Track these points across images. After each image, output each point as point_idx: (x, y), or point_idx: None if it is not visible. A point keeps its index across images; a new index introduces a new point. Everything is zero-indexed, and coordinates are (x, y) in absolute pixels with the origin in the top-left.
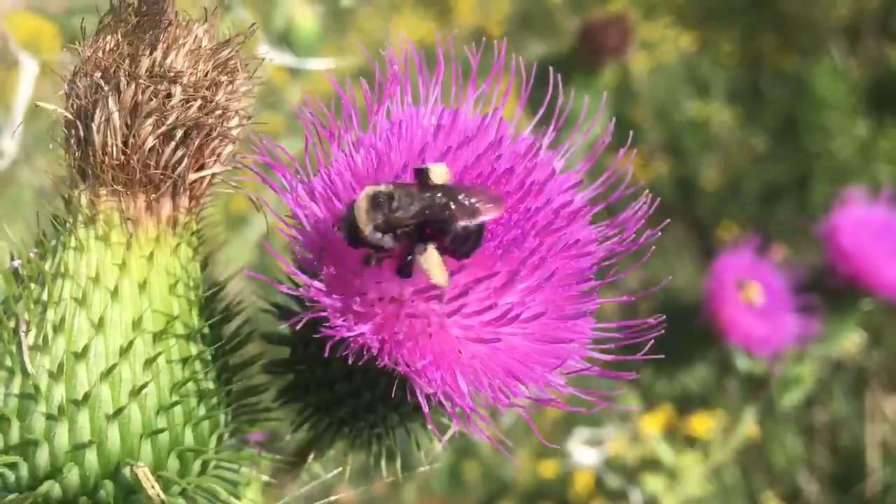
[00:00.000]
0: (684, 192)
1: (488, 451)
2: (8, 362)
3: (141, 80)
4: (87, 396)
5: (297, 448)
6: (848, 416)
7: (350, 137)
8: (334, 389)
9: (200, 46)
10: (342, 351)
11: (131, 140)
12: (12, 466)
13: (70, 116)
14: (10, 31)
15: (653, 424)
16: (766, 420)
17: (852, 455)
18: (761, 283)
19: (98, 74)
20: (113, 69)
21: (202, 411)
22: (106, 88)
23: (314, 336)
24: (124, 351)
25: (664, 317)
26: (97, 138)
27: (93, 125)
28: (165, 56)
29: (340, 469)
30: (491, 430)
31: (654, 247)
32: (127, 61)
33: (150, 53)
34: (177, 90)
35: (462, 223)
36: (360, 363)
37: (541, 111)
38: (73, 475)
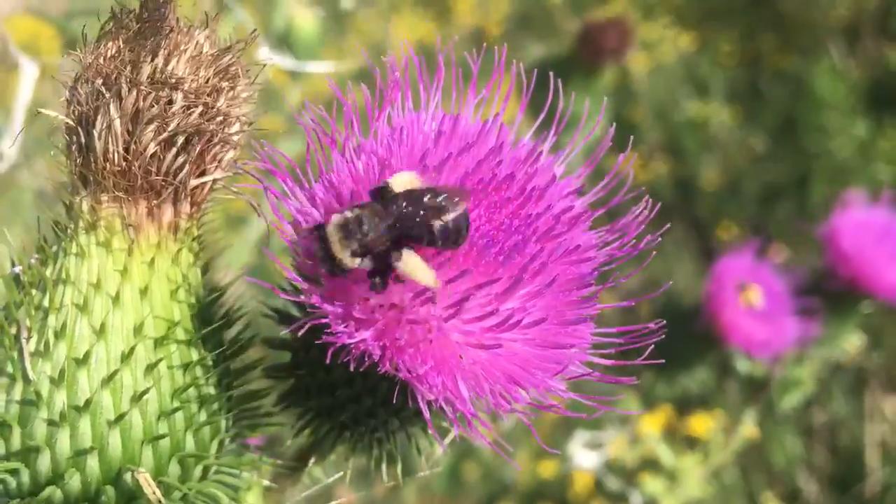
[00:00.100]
0: (684, 192)
1: (488, 453)
2: (9, 368)
3: (142, 87)
4: (88, 402)
5: (298, 452)
6: (847, 416)
7: (351, 143)
8: (335, 394)
9: (202, 53)
10: (343, 357)
11: (133, 146)
12: (14, 472)
13: (71, 123)
14: (9, 34)
15: (652, 425)
16: (765, 420)
17: (851, 455)
18: (762, 285)
19: (99, 81)
20: (114, 76)
21: (203, 417)
22: (107, 95)
23: (315, 341)
24: (125, 357)
25: (664, 321)
26: (99, 145)
27: (94, 132)
28: (167, 62)
29: (341, 473)
30: (491, 434)
31: (654, 249)
32: (128, 68)
33: (152, 60)
34: (178, 96)
35: (436, 224)
36: (361, 369)
37: (542, 116)
38: (74, 481)
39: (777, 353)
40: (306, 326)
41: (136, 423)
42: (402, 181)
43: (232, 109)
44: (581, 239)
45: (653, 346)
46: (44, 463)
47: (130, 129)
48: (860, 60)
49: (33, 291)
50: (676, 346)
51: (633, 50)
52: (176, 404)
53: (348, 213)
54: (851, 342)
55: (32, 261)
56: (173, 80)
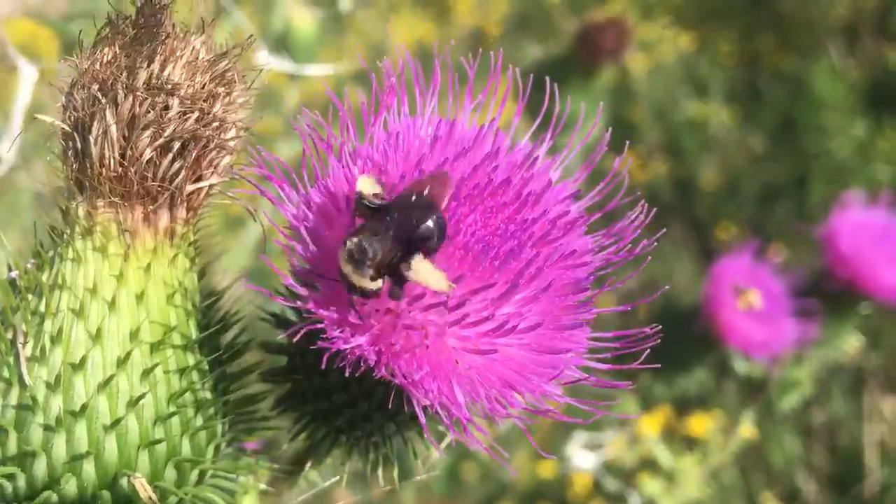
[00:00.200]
0: (683, 192)
1: (487, 454)
2: (5, 373)
3: (138, 93)
4: (84, 407)
5: (295, 456)
6: (846, 416)
7: (347, 148)
8: (331, 399)
9: (198, 58)
10: (339, 362)
11: (129, 152)
12: (10, 477)
13: (67, 129)
14: (7, 37)
15: (651, 425)
16: (764, 421)
17: (850, 455)
18: (760, 287)
19: (95, 87)
20: (110, 81)
21: (199, 421)
22: (103, 101)
23: (311, 346)
24: (122, 362)
25: (660, 323)
26: (94, 150)
27: (90, 137)
28: (163, 68)
29: (338, 477)
30: (487, 439)
31: (651, 253)
32: (124, 73)
33: (148, 65)
34: (174, 102)
35: (430, 221)
36: (357, 374)
37: (539, 119)
38: (70, 486)
39: (775, 354)
40: (301, 332)
41: (132, 428)
42: (367, 185)
43: (228, 115)
44: (577, 243)
45: (650, 348)
46: (40, 468)
47: (126, 134)
48: (859, 60)
49: (30, 296)
50: (675, 348)
51: (631, 50)
52: (172, 409)
53: (349, 245)
54: (850, 343)
55: (29, 265)
56: (169, 86)
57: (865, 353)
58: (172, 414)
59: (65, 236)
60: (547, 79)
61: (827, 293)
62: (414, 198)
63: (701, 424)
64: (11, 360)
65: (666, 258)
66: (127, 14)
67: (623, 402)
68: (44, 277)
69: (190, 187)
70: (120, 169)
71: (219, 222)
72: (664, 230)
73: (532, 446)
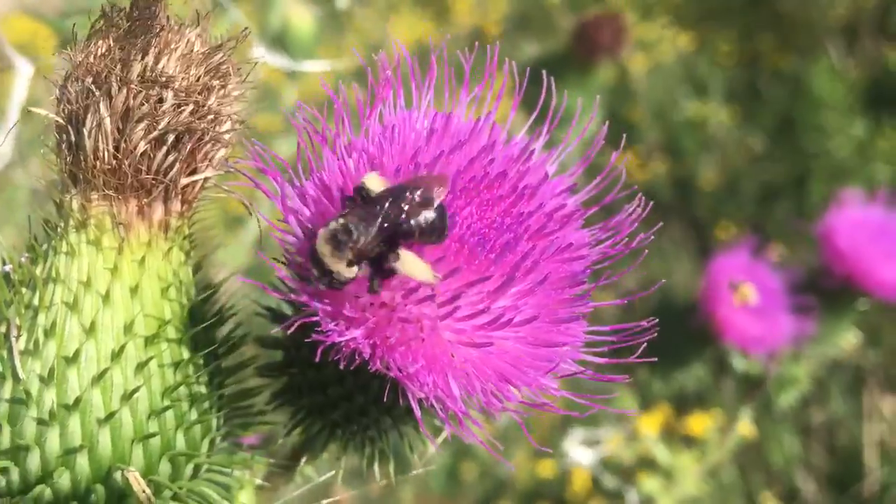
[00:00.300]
0: (682, 191)
1: (486, 452)
2: None
3: (132, 85)
4: (78, 401)
5: (292, 451)
6: (845, 415)
7: (342, 141)
8: (327, 393)
9: (192, 51)
10: (334, 355)
11: (123, 145)
12: (3, 471)
13: (61, 121)
14: (5, 35)
15: (650, 425)
16: (763, 420)
17: (850, 455)
18: (757, 283)
19: (89, 79)
20: (104, 74)
21: (194, 415)
22: (97, 93)
23: (305, 340)
24: (116, 355)
25: (658, 319)
26: (88, 143)
27: (84, 130)
28: (157, 61)
29: (333, 472)
30: (483, 433)
31: (650, 248)
32: (118, 66)
33: (142, 58)
34: (168, 95)
35: (422, 217)
36: (352, 367)
37: (535, 113)
38: (64, 480)
39: (772, 351)
40: (296, 325)
41: (126, 422)
42: (373, 182)
43: (223, 108)
44: (573, 237)
45: (648, 343)
46: (33, 461)
47: (120, 127)
48: (859, 60)
49: (23, 290)
50: (672, 343)
51: (628, 46)
52: (166, 403)
53: (334, 224)
54: (847, 340)
55: (23, 259)
56: (164, 79)
57: (864, 351)
58: (167, 408)
59: (59, 230)
60: (544, 73)
61: (824, 290)
62: (408, 193)
63: (700, 424)
64: (5, 353)
65: (665, 257)
66: (121, 7)
67: (621, 398)
68: (38, 271)
69: (185, 180)
70: (114, 161)
71: (218, 220)
72: (661, 224)
73: (531, 445)
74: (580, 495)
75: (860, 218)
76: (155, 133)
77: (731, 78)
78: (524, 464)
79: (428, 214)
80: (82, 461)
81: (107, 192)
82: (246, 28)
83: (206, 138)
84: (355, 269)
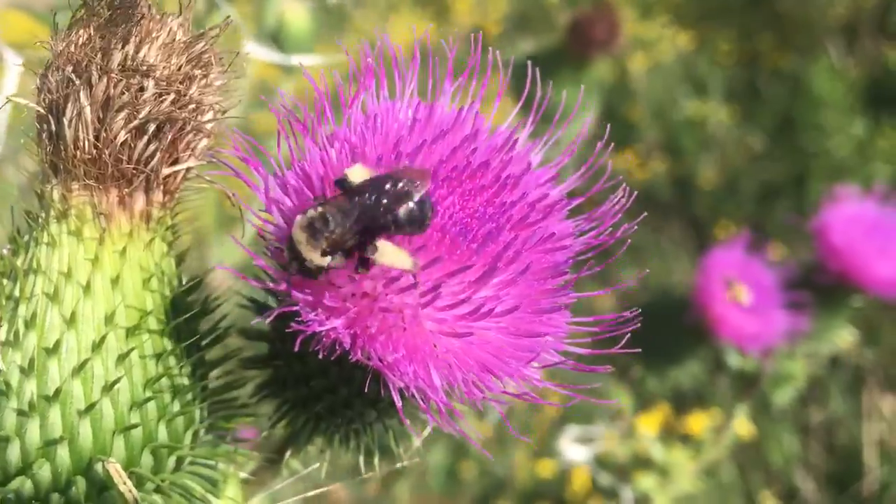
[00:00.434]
0: (682, 190)
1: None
2: None
3: (113, 74)
4: (58, 392)
5: (279, 444)
6: (845, 414)
7: (324, 130)
8: (310, 385)
9: (174, 40)
10: (314, 345)
11: (103, 134)
12: None
13: (42, 111)
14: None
15: (649, 424)
16: (762, 418)
17: (849, 454)
18: (751, 279)
19: (70, 69)
20: (85, 63)
21: (176, 407)
22: (77, 82)
23: (287, 331)
24: (96, 346)
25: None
26: (69, 133)
27: (64, 119)
28: (138, 50)
29: (318, 465)
30: (471, 429)
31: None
32: (99, 55)
33: (123, 47)
34: (149, 84)
35: (401, 210)
36: (335, 358)
37: (520, 104)
38: (44, 471)
39: (767, 347)
40: (274, 314)
41: (107, 413)
42: (357, 174)
43: (205, 97)
44: (557, 227)
45: (642, 339)
46: (13, 453)
47: (101, 116)
48: (858, 59)
49: (4, 281)
50: (667, 339)
51: (622, 41)
52: (148, 394)
53: (311, 212)
54: (843, 337)
55: (4, 251)
56: (144, 68)
57: (863, 350)
58: (148, 399)
59: (40, 220)
60: (529, 62)
61: (818, 286)
62: (388, 185)
63: (699, 423)
64: None
65: (665, 257)
66: None
67: (617, 396)
68: (19, 262)
69: (166, 170)
70: (94, 151)
71: (213, 218)
72: (645, 213)
73: (531, 444)
74: (579, 495)
75: (854, 214)
76: (135, 122)
77: (730, 77)
78: (524, 463)
79: (408, 207)
80: (63, 453)
81: (87, 181)
82: (228, 17)
83: (188, 128)
84: (329, 259)
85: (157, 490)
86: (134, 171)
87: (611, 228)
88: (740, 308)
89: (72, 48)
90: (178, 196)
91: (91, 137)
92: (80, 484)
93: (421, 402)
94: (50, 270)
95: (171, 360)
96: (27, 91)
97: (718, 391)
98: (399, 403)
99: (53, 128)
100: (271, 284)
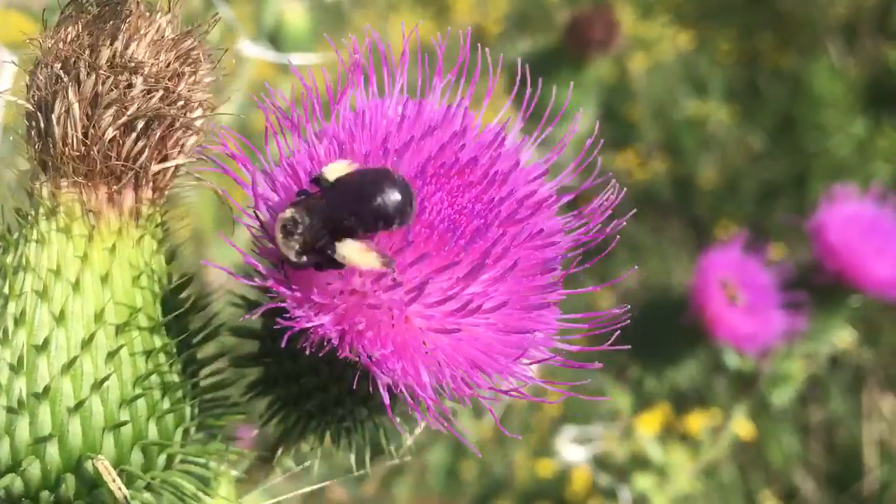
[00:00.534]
0: (682, 190)
1: (486, 450)
2: None
3: (101, 71)
4: (47, 389)
5: (272, 442)
6: (845, 414)
7: (313, 127)
8: (301, 383)
9: (163, 37)
10: (302, 342)
11: (91, 131)
12: None
13: (31, 108)
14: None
15: (650, 424)
16: (762, 418)
17: (849, 454)
18: (748, 280)
19: (58, 65)
20: (73, 60)
21: (166, 404)
22: (66, 79)
23: (275, 328)
24: (86, 343)
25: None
26: (57, 129)
27: (53, 116)
28: (126, 46)
29: (310, 463)
30: (458, 423)
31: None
32: (87, 52)
33: (111, 44)
34: (138, 81)
35: (366, 209)
36: (326, 357)
37: (509, 102)
38: (34, 469)
39: (764, 347)
40: (260, 311)
41: (96, 411)
42: (335, 170)
43: (194, 94)
44: (546, 224)
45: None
46: (3, 450)
47: (89, 113)
48: (858, 59)
49: None
50: (664, 339)
51: (620, 41)
52: (138, 391)
53: (284, 213)
54: (841, 337)
55: None
56: (133, 65)
57: (862, 349)
58: (138, 396)
59: (29, 218)
60: (519, 60)
61: (816, 286)
62: (355, 183)
63: (698, 422)
64: None
65: (665, 257)
66: None
67: (614, 395)
68: (8, 259)
69: (155, 167)
70: (83, 148)
71: (211, 218)
72: (635, 210)
73: (530, 444)
74: (580, 494)
75: (852, 214)
76: (124, 119)
77: (730, 76)
78: (524, 462)
79: (374, 205)
80: (52, 450)
81: (76, 178)
82: (216, 14)
83: (177, 125)
84: (304, 258)
85: (148, 488)
86: (123, 168)
87: (600, 225)
88: (737, 309)
89: (60, 45)
90: (170, 193)
91: (79, 134)
92: (70, 481)
93: (410, 400)
94: (39, 268)
95: (161, 358)
96: (21, 90)
97: (717, 391)
98: (387, 400)
99: (42, 125)
100: (259, 281)
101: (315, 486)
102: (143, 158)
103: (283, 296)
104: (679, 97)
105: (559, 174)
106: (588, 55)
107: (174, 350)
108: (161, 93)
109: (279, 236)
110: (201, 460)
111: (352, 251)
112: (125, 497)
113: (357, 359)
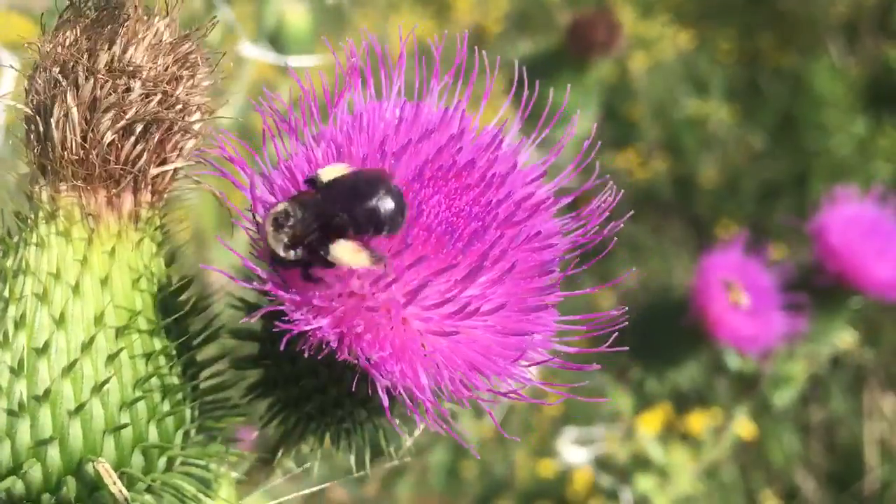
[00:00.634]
0: (682, 190)
1: (486, 450)
2: None
3: (100, 75)
4: (48, 392)
5: (272, 444)
6: (846, 413)
7: (311, 130)
8: (300, 385)
9: (161, 41)
10: (301, 345)
11: (90, 135)
12: None
13: (30, 112)
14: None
15: (650, 423)
16: (763, 418)
17: (850, 453)
18: (748, 281)
19: (56, 69)
20: (71, 64)
21: (166, 407)
22: (64, 83)
23: (274, 331)
24: (86, 346)
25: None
26: (56, 134)
27: (52, 120)
28: (125, 50)
29: (310, 464)
30: (458, 425)
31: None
32: (85, 56)
33: (109, 48)
34: (136, 85)
35: (359, 210)
36: (325, 359)
37: (506, 104)
38: (35, 472)
39: (765, 349)
40: (258, 314)
41: (97, 413)
42: (331, 172)
43: (192, 98)
44: (543, 226)
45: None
46: (4, 453)
47: (88, 117)
48: (859, 58)
49: None
50: (665, 341)
51: (622, 43)
52: (138, 394)
53: (278, 207)
54: (842, 338)
55: None
56: (131, 68)
57: (863, 349)
58: (138, 399)
59: (29, 221)
60: (516, 62)
61: (817, 288)
62: (350, 184)
63: (700, 422)
64: None
65: (666, 256)
66: None
67: (615, 397)
68: (8, 263)
69: (154, 170)
70: (82, 152)
71: (212, 220)
72: (633, 211)
73: (531, 444)
74: (581, 494)
75: (853, 215)
76: (122, 123)
77: (731, 76)
78: (524, 462)
79: (366, 207)
80: (53, 453)
81: (75, 182)
82: (214, 17)
83: (175, 128)
84: (292, 252)
85: (149, 490)
86: (122, 172)
87: (598, 227)
88: (739, 310)
89: (58, 49)
90: (169, 196)
91: (78, 138)
92: (71, 484)
93: (409, 402)
94: (39, 271)
95: (161, 360)
96: (20, 93)
97: (718, 392)
98: (386, 402)
99: (41, 129)
100: (256, 284)
101: (316, 488)
102: (141, 162)
103: (281, 299)
104: (679, 96)
105: (558, 175)
106: (590, 57)
107: (174, 352)
108: (159, 96)
109: (269, 230)
110: (202, 462)
111: (343, 251)
112: (126, 499)
113: (356, 361)
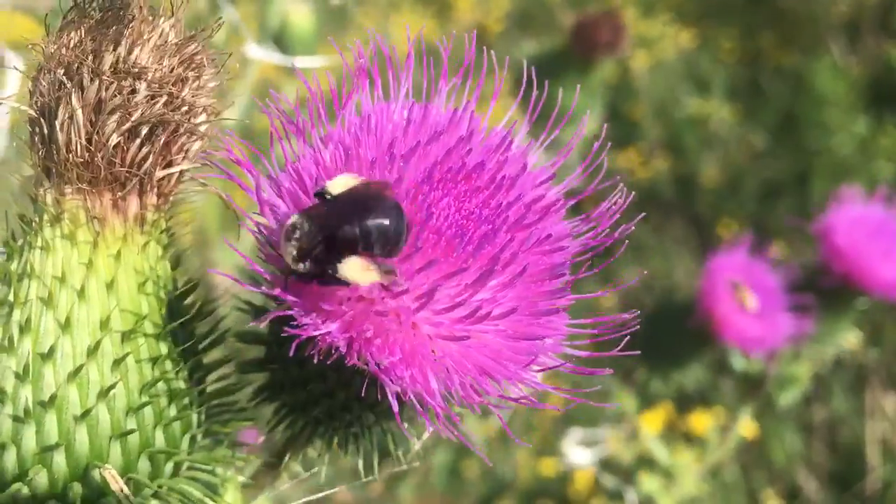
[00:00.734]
0: (684, 189)
1: (487, 450)
2: None
3: (105, 77)
4: (53, 398)
5: (280, 447)
6: (848, 413)
7: (318, 132)
8: (308, 389)
9: (166, 42)
10: (310, 350)
11: (95, 137)
12: None
13: (34, 114)
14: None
15: (652, 423)
16: (765, 418)
17: (852, 453)
18: (754, 282)
19: (61, 71)
20: (76, 65)
21: (173, 412)
22: (69, 85)
23: (282, 335)
24: (92, 351)
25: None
26: (61, 136)
27: (56, 122)
28: (130, 52)
29: (317, 469)
30: (466, 429)
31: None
32: (90, 57)
33: (114, 49)
34: (141, 86)
35: (364, 225)
36: (334, 363)
37: (515, 105)
38: (41, 478)
39: (772, 350)
40: (268, 318)
41: (103, 419)
42: (339, 184)
43: (198, 99)
44: (554, 228)
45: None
46: (10, 459)
47: (93, 119)
48: (861, 57)
49: None
50: (671, 342)
51: (627, 43)
52: (144, 399)
53: (291, 219)
54: (848, 339)
55: None
56: (136, 70)
57: (866, 348)
58: (145, 404)
59: (34, 225)
60: (525, 62)
61: (823, 289)
62: (356, 197)
63: (703, 422)
64: None
65: (667, 255)
66: None
67: (620, 398)
68: (13, 267)
69: (160, 173)
70: (87, 154)
71: (216, 221)
72: (644, 214)
73: (533, 444)
74: (582, 494)
75: (859, 216)
76: (128, 125)
77: (732, 75)
78: (527, 462)
79: (377, 222)
80: (59, 459)
81: (80, 185)
82: (220, 18)
83: (181, 130)
84: (301, 265)
85: (155, 495)
86: (127, 174)
87: (608, 229)
88: (745, 311)
89: (63, 51)
90: (175, 199)
91: (83, 140)
92: (77, 490)
93: (418, 407)
94: (44, 275)
95: (168, 365)
96: (25, 94)
97: (723, 392)
98: (396, 408)
99: (46, 131)
100: (265, 289)
101: (321, 494)
102: (147, 164)
103: (290, 303)
104: (681, 95)
105: (566, 177)
106: (595, 58)
107: (181, 357)
108: (165, 98)
109: (282, 241)
110: (208, 467)
111: (352, 270)
112: None
113: (365, 366)
